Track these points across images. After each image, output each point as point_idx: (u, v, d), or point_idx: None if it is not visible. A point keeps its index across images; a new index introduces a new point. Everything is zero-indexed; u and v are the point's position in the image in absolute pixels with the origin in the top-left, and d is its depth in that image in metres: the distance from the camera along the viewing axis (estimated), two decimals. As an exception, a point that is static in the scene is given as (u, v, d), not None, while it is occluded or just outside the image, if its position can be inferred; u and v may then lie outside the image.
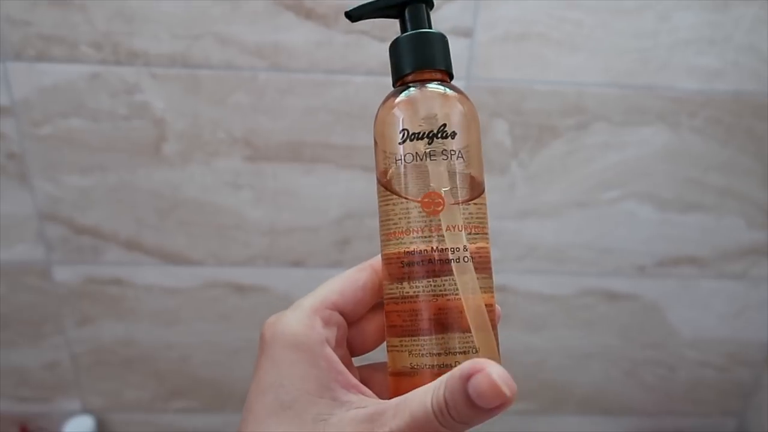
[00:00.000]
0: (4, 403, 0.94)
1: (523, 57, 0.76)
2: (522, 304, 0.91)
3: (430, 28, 0.34)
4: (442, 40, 0.34)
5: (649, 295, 0.91)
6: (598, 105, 0.79)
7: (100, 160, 0.78)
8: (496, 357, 0.32)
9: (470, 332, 0.31)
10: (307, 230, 0.84)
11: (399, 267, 0.32)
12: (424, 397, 0.27)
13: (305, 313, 0.32)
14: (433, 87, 0.33)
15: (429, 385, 0.28)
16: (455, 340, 0.31)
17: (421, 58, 0.34)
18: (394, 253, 0.33)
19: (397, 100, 0.33)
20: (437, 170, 0.32)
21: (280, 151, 0.79)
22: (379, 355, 0.36)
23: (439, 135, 0.32)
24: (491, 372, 0.26)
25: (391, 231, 0.33)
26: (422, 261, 0.32)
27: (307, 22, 0.72)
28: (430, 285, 0.31)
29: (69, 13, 0.70)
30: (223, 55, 0.74)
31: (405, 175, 0.32)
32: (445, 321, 0.31)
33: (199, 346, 0.92)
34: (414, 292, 0.32)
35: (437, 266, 0.31)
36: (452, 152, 0.32)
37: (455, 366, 0.27)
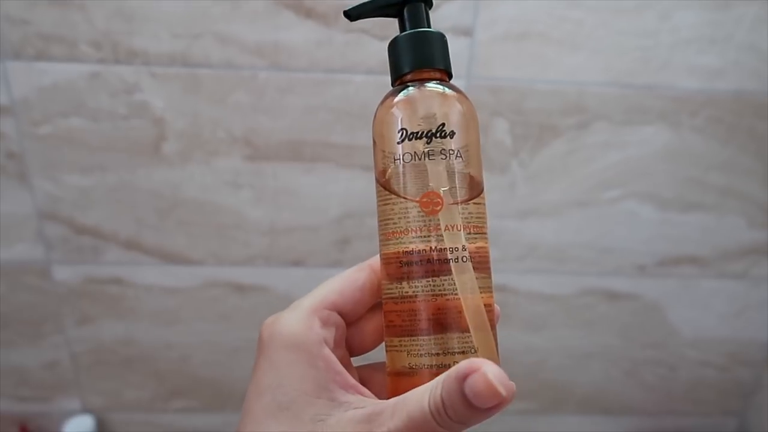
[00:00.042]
0: (4, 402, 0.94)
1: (523, 56, 0.76)
2: (522, 304, 0.91)
3: (429, 27, 0.34)
4: (441, 39, 0.34)
5: (650, 295, 0.91)
6: (598, 104, 0.78)
7: (99, 160, 0.78)
8: (494, 357, 0.32)
9: (469, 332, 0.31)
10: (307, 230, 0.84)
11: (398, 267, 0.32)
12: (421, 397, 0.27)
13: (303, 314, 0.32)
14: (432, 86, 0.33)
15: (427, 385, 0.28)
16: (454, 340, 0.31)
17: (419, 58, 0.34)
18: (393, 253, 0.32)
19: (396, 99, 0.33)
20: (436, 170, 0.32)
21: (280, 151, 0.79)
22: (378, 354, 0.36)
23: (438, 134, 0.32)
24: (487, 372, 0.26)
25: (390, 231, 0.33)
26: (421, 261, 0.31)
27: (307, 21, 0.72)
28: (429, 285, 0.31)
29: (68, 12, 0.70)
30: (223, 54, 0.73)
31: (404, 174, 0.32)
32: (444, 321, 0.31)
33: (199, 345, 0.92)
34: (413, 291, 0.32)
35: (436, 266, 0.31)
36: (451, 152, 0.32)
37: (453, 366, 0.27)
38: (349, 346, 0.36)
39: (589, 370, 0.97)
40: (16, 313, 0.87)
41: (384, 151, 0.33)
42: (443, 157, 0.32)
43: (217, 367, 0.93)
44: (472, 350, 0.31)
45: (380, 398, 0.31)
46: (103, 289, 0.86)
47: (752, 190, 0.84)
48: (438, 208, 0.31)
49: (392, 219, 0.32)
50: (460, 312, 0.31)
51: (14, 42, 0.71)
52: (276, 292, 0.88)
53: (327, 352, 0.31)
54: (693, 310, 0.93)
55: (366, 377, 0.36)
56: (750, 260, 0.89)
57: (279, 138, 0.78)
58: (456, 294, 0.31)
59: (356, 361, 0.37)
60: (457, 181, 0.32)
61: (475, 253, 0.32)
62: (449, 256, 0.31)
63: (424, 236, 0.32)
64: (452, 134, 0.32)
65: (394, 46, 0.34)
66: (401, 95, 0.33)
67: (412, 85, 0.33)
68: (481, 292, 0.32)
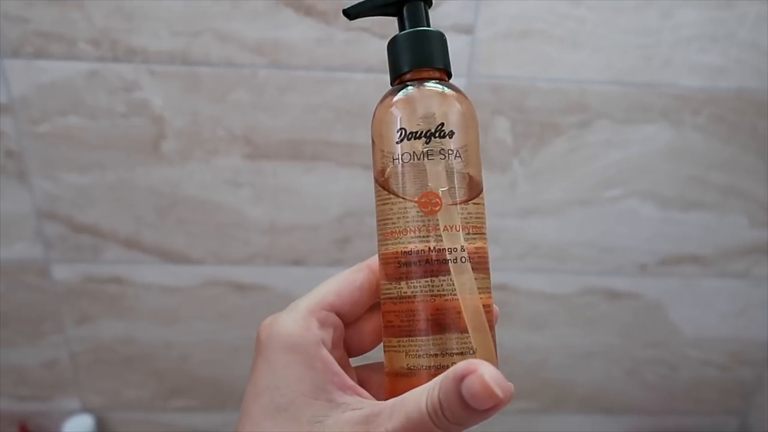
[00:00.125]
0: (4, 402, 0.94)
1: (524, 54, 0.75)
2: (523, 303, 0.91)
3: (429, 26, 0.34)
4: (440, 38, 0.34)
5: (651, 294, 0.91)
6: (600, 102, 0.78)
7: (98, 158, 0.78)
8: (493, 358, 0.32)
9: (467, 333, 0.31)
10: (307, 228, 0.84)
11: (396, 267, 0.32)
12: (419, 398, 0.27)
13: (301, 315, 0.32)
14: (431, 86, 0.33)
15: (425, 386, 0.28)
16: (452, 340, 0.31)
17: (419, 57, 0.33)
18: (392, 253, 0.32)
19: (395, 98, 0.33)
20: (435, 170, 0.32)
21: (280, 149, 0.79)
22: (377, 354, 0.36)
23: (437, 134, 0.32)
24: (484, 373, 0.25)
25: (389, 231, 0.32)
26: (420, 261, 0.31)
27: (307, 18, 0.72)
28: (428, 285, 0.31)
29: (67, 9, 0.70)
30: (223, 52, 0.73)
31: (402, 174, 0.32)
32: (443, 321, 0.31)
33: (198, 344, 0.92)
34: (411, 292, 0.32)
35: (435, 266, 0.31)
36: (450, 152, 0.32)
37: (451, 367, 0.27)
38: (347, 347, 0.36)
39: (590, 369, 0.97)
40: (16, 312, 0.87)
41: (383, 151, 0.33)
42: (442, 157, 0.32)
43: (217, 366, 0.93)
44: (471, 351, 0.31)
45: (379, 399, 0.31)
46: (103, 288, 0.86)
47: (754, 188, 0.84)
48: (437, 208, 0.31)
49: (391, 219, 0.32)
50: (459, 312, 0.31)
51: (13, 40, 0.71)
52: (276, 291, 0.88)
53: (325, 353, 0.31)
54: (694, 310, 0.93)
55: (364, 378, 0.36)
56: (751, 259, 0.89)
57: (279, 136, 0.78)
58: (455, 294, 0.31)
59: (355, 362, 0.37)
60: (456, 182, 0.32)
61: (474, 253, 0.32)
62: (448, 257, 0.31)
63: (423, 236, 0.31)
64: (451, 134, 0.32)
65: (393, 45, 0.34)
66: (400, 95, 0.33)
67: (411, 85, 0.33)
68: (479, 293, 0.32)
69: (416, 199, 0.32)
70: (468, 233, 0.32)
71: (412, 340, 0.31)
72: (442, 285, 0.31)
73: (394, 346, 0.32)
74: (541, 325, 0.93)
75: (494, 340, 0.32)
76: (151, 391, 0.95)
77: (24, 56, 0.72)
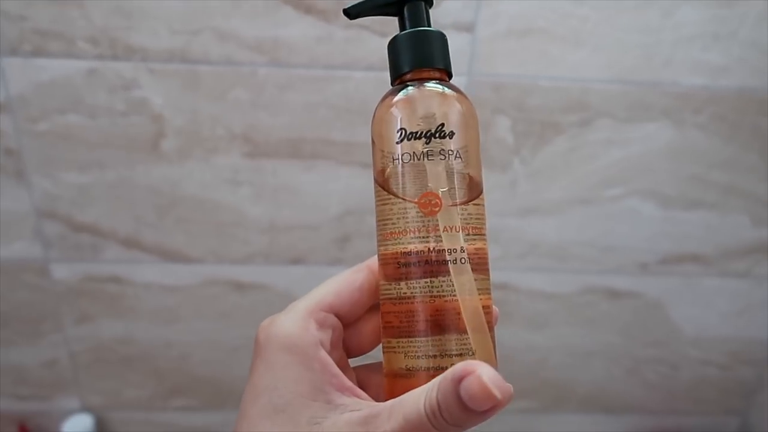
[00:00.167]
0: (3, 401, 0.94)
1: (525, 52, 0.75)
2: (524, 302, 0.91)
3: (429, 26, 0.34)
4: (441, 38, 0.34)
5: (652, 293, 0.91)
6: (601, 101, 0.78)
7: (98, 157, 0.78)
8: (492, 359, 0.32)
9: (467, 334, 0.31)
10: (307, 227, 0.84)
11: (396, 267, 0.32)
12: (417, 399, 0.27)
13: (299, 316, 0.32)
14: (432, 86, 0.33)
15: (423, 387, 0.28)
16: (452, 342, 0.31)
17: (419, 57, 0.33)
18: (391, 254, 0.32)
19: (395, 99, 0.33)
20: (435, 170, 0.32)
21: (280, 148, 0.79)
22: (377, 354, 0.36)
23: (437, 134, 0.32)
24: (482, 374, 0.25)
25: (388, 231, 0.32)
26: (419, 262, 0.31)
27: (307, 16, 0.72)
28: (427, 286, 0.31)
29: (66, 8, 0.70)
30: (222, 50, 0.73)
31: (402, 174, 0.32)
32: (442, 322, 0.31)
33: (198, 344, 0.91)
34: (411, 293, 0.32)
35: (434, 267, 0.31)
36: (450, 152, 0.32)
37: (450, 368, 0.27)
38: (346, 348, 0.36)
39: (591, 368, 0.97)
40: (15, 312, 0.87)
41: (383, 151, 0.33)
42: (442, 157, 0.32)
43: (217, 365, 0.93)
44: (470, 352, 0.31)
45: (378, 400, 0.31)
46: (102, 288, 0.86)
47: (755, 187, 0.84)
48: (437, 209, 0.31)
49: (391, 219, 0.32)
50: (458, 313, 0.31)
51: (11, 38, 0.71)
52: (276, 291, 0.87)
53: (323, 354, 0.31)
54: (695, 309, 0.93)
55: (364, 378, 0.36)
56: (753, 259, 0.89)
57: (279, 135, 0.78)
58: (454, 295, 0.31)
59: (354, 362, 0.37)
60: (456, 182, 0.32)
61: (473, 254, 0.32)
62: (448, 258, 0.31)
63: (423, 237, 0.31)
64: (452, 134, 0.32)
65: (393, 45, 0.34)
66: (400, 95, 0.33)
67: (411, 85, 0.33)
68: (479, 294, 0.32)
69: (416, 200, 0.31)
70: (468, 234, 0.32)
71: (411, 341, 0.31)
72: (441, 286, 0.31)
73: (393, 347, 0.32)
74: (542, 324, 0.93)
75: (494, 342, 0.32)
76: (151, 391, 0.95)
77: (23, 54, 0.72)
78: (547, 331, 0.93)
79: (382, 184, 0.33)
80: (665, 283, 0.90)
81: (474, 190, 0.32)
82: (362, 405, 0.30)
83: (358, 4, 0.34)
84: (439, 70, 0.34)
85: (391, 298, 0.32)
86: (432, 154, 0.32)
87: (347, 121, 0.77)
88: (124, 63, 0.73)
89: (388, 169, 0.32)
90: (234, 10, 0.71)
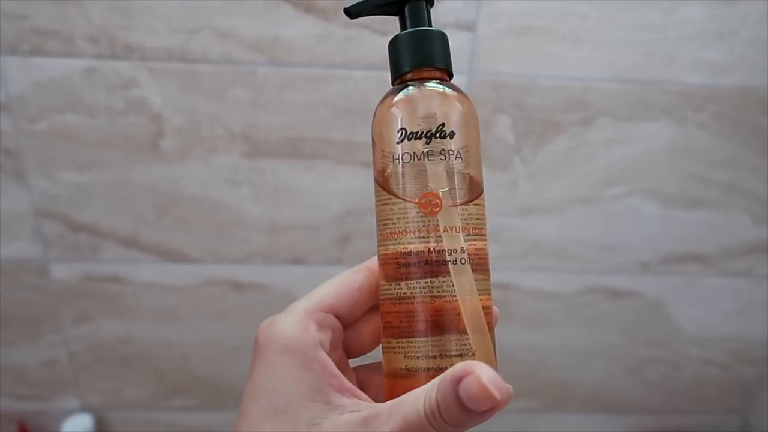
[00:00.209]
0: (3, 401, 0.94)
1: (526, 51, 0.75)
2: (524, 302, 0.91)
3: (430, 25, 0.34)
4: (441, 38, 0.34)
5: (653, 293, 0.91)
6: (602, 100, 0.78)
7: (96, 156, 0.78)
8: (492, 360, 0.32)
9: (467, 334, 0.31)
10: (306, 227, 0.84)
11: (396, 267, 0.32)
12: (417, 400, 0.27)
13: (299, 317, 0.32)
14: (432, 86, 0.33)
15: (423, 387, 0.28)
16: (451, 342, 0.31)
17: (420, 57, 0.33)
18: (391, 254, 0.32)
19: (396, 98, 0.33)
20: (435, 170, 0.31)
21: (280, 147, 0.78)
22: (377, 354, 0.36)
23: (438, 135, 0.32)
24: (481, 375, 0.25)
25: (388, 231, 0.32)
26: (419, 262, 0.31)
27: (307, 15, 0.72)
28: (427, 286, 0.31)
29: (64, 7, 0.70)
30: (222, 49, 0.73)
31: (403, 175, 0.32)
32: (442, 323, 0.31)
33: (198, 343, 0.91)
34: (411, 293, 0.31)
35: (434, 267, 0.31)
36: (451, 152, 0.32)
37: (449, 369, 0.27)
38: (346, 348, 0.36)
39: (592, 368, 0.97)
40: (14, 312, 0.87)
41: (383, 151, 0.33)
42: (443, 157, 0.32)
43: (217, 365, 0.93)
44: (470, 353, 0.31)
45: (378, 400, 0.31)
46: (102, 287, 0.86)
47: (757, 186, 0.84)
48: (437, 209, 0.31)
49: (391, 219, 0.32)
50: (458, 314, 0.31)
51: (10, 37, 0.71)
52: (275, 290, 0.87)
53: (322, 355, 0.31)
54: (696, 308, 0.92)
55: (363, 379, 0.36)
56: (754, 258, 0.88)
57: (278, 134, 0.78)
58: (454, 296, 0.31)
59: (354, 362, 0.37)
60: (456, 182, 0.32)
61: (474, 254, 0.32)
62: (448, 258, 0.31)
63: (423, 237, 0.31)
64: (452, 134, 0.32)
65: (394, 45, 0.34)
66: (401, 94, 0.33)
67: (412, 85, 0.33)
68: (479, 294, 0.32)
69: (416, 200, 0.31)
70: (468, 234, 0.32)
71: (410, 342, 0.31)
72: (441, 286, 0.31)
73: (393, 347, 0.32)
74: (543, 324, 0.93)
75: (494, 342, 0.32)
76: (151, 391, 0.95)
77: (21, 53, 0.72)
78: (548, 331, 0.93)
79: (383, 184, 0.33)
80: (666, 283, 0.90)
81: (474, 191, 0.32)
82: (362, 406, 0.30)
83: (359, 3, 0.34)
84: (439, 69, 0.33)
85: (391, 299, 0.32)
86: (432, 154, 0.31)
87: (347, 120, 0.77)
88: (123, 62, 0.73)
89: (389, 169, 0.32)
90: (233, 9, 0.71)
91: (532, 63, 0.75)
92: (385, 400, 0.29)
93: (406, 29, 0.34)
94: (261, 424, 0.30)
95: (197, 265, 0.85)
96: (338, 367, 0.32)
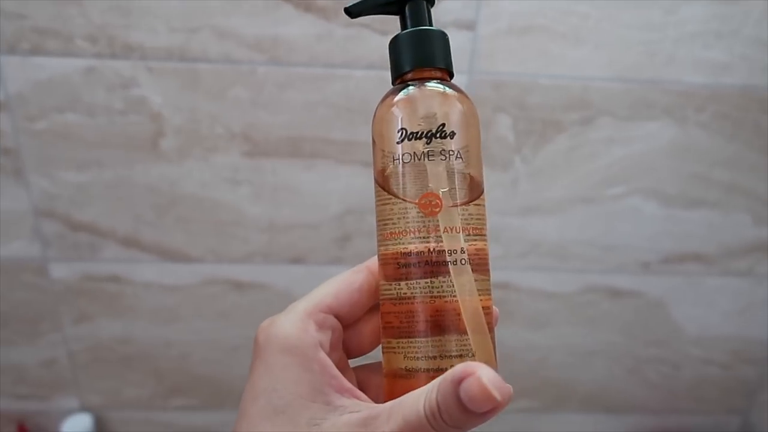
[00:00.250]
0: (2, 401, 0.94)
1: (526, 50, 0.75)
2: (525, 302, 0.90)
3: (431, 25, 0.34)
4: (442, 37, 0.34)
5: (654, 292, 0.91)
6: (603, 99, 0.78)
7: (96, 156, 0.77)
8: (492, 360, 0.32)
9: (467, 335, 0.31)
10: (307, 227, 0.84)
11: (396, 268, 0.32)
12: (417, 400, 0.27)
13: (299, 317, 0.32)
14: (433, 86, 0.33)
15: (423, 388, 0.28)
16: (451, 342, 0.31)
17: (420, 56, 0.33)
18: (391, 254, 0.32)
19: (396, 98, 0.33)
20: (436, 170, 0.31)
21: (280, 147, 0.78)
22: (377, 354, 0.36)
23: (438, 135, 0.31)
24: (482, 376, 0.25)
25: (389, 231, 0.32)
26: (419, 262, 0.31)
27: (307, 14, 0.71)
28: (427, 286, 0.31)
29: (64, 6, 0.69)
30: (222, 48, 0.73)
31: (403, 175, 0.32)
32: (442, 323, 0.31)
33: (198, 343, 0.91)
34: (410, 293, 0.31)
35: (434, 268, 0.31)
36: (451, 152, 0.32)
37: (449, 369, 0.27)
38: (346, 349, 0.36)
39: (592, 367, 0.97)
40: (14, 311, 0.87)
41: (383, 151, 0.33)
42: (443, 157, 0.31)
43: (217, 364, 0.93)
44: (470, 353, 0.31)
45: (378, 400, 0.31)
46: (101, 287, 0.86)
47: (757, 186, 0.83)
48: (437, 209, 0.31)
49: (391, 219, 0.32)
50: (458, 314, 0.31)
51: (9, 36, 0.71)
52: (275, 290, 0.87)
53: (322, 355, 0.31)
54: (697, 308, 0.92)
55: (363, 379, 0.36)
56: (755, 257, 0.88)
57: (278, 134, 0.78)
58: (454, 296, 0.31)
59: (354, 362, 0.37)
60: (456, 182, 0.32)
61: (474, 255, 0.32)
62: (448, 258, 0.31)
63: (423, 237, 0.31)
64: (452, 135, 0.32)
65: (394, 44, 0.34)
66: (401, 94, 0.33)
67: (412, 84, 0.33)
68: (479, 295, 0.32)
69: (416, 200, 0.31)
70: (468, 234, 0.32)
71: (410, 342, 0.31)
72: (441, 286, 0.31)
73: (393, 348, 0.32)
74: (543, 323, 0.93)
75: (494, 343, 0.32)
76: (150, 390, 0.95)
77: (20, 53, 0.71)
78: (548, 331, 0.93)
79: (383, 184, 0.33)
80: (667, 282, 0.90)
81: (475, 191, 0.32)
82: (361, 406, 0.30)
83: (360, 2, 0.34)
84: (440, 69, 0.33)
85: (391, 299, 0.32)
86: (433, 155, 0.31)
87: (347, 120, 0.77)
88: (123, 61, 0.73)
89: (389, 169, 0.32)
90: (233, 8, 0.71)
91: (532, 62, 0.75)
92: (385, 401, 0.29)
93: (406, 29, 0.34)
94: (261, 425, 0.30)
95: (197, 265, 0.85)
96: (338, 367, 0.32)
